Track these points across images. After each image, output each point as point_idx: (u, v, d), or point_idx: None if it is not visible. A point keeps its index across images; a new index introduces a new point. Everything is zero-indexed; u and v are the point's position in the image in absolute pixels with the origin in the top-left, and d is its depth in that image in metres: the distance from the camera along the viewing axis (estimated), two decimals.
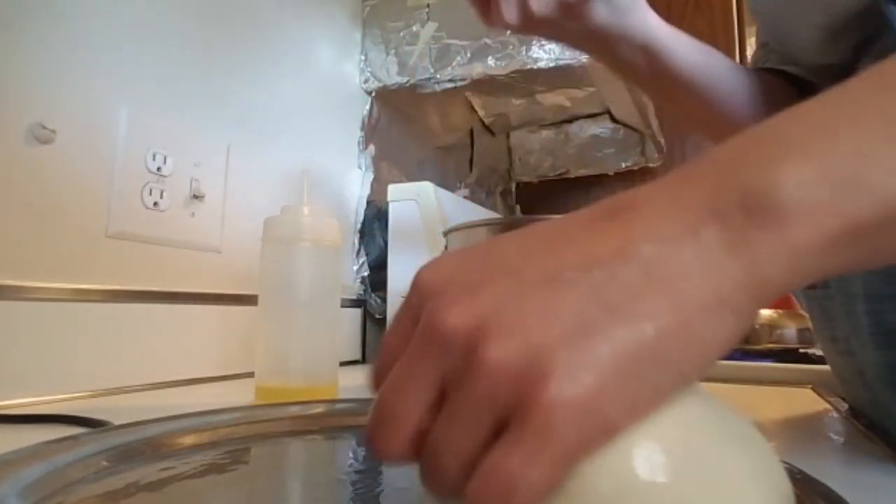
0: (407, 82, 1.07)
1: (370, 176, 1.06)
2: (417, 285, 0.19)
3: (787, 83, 0.51)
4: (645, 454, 0.17)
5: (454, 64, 1.04)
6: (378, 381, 0.19)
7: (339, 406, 0.46)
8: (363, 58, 1.10)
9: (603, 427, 0.16)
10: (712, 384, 0.75)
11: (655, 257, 0.17)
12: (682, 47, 0.47)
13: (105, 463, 0.30)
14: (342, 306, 0.64)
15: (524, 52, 1.00)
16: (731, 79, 0.50)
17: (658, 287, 0.17)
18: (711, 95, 0.49)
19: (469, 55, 1.03)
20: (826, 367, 0.52)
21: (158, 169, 0.66)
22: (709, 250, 0.17)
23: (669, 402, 0.18)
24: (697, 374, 0.17)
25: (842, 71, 0.42)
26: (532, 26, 0.43)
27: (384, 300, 1.01)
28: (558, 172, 1.48)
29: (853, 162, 0.17)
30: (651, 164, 1.45)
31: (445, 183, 1.16)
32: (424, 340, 0.18)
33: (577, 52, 0.98)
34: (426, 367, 0.18)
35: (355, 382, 0.74)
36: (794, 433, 0.48)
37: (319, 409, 0.44)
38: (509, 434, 0.16)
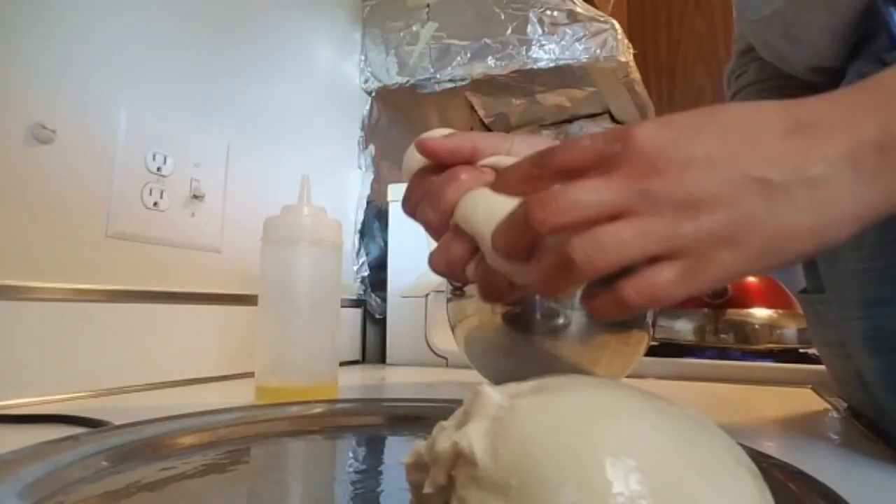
0: (407, 82, 1.07)
1: (370, 176, 1.06)
2: (639, 142, 0.23)
3: None
4: (614, 467, 0.17)
5: (454, 64, 1.04)
6: (553, 158, 0.25)
7: (339, 406, 0.46)
8: (363, 58, 1.10)
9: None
10: (713, 384, 0.75)
11: (820, 177, 0.23)
12: None
13: (105, 463, 0.30)
14: (342, 306, 0.64)
15: (524, 52, 1.00)
16: None
17: (811, 200, 0.23)
18: None
19: (469, 55, 1.03)
20: (825, 367, 0.52)
21: (158, 169, 0.66)
22: (860, 179, 0.23)
23: (656, 423, 0.18)
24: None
25: (831, 77, 0.42)
26: None
27: (384, 300, 1.01)
28: None
29: None
30: None
31: None
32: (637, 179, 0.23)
33: (577, 53, 0.98)
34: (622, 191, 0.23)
35: (355, 382, 0.74)
36: (793, 433, 0.48)
37: (319, 409, 0.44)
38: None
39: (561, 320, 0.54)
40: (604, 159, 0.24)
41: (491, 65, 1.02)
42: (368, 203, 1.05)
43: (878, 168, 0.23)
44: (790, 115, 0.24)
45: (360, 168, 1.07)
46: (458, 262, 0.29)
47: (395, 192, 1.01)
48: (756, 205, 0.22)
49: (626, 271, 0.24)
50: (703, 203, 0.22)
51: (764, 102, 0.24)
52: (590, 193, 0.23)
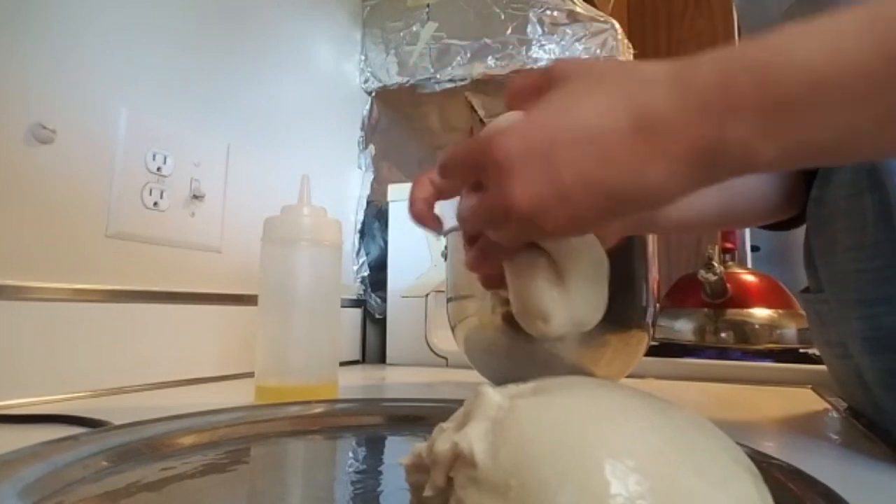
0: (407, 82, 1.07)
1: (370, 176, 1.06)
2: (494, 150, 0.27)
3: None
4: (613, 468, 0.17)
5: (454, 64, 1.04)
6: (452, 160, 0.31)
7: (339, 406, 0.46)
8: (363, 58, 1.10)
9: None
10: (713, 384, 0.75)
11: (653, 172, 0.25)
12: (701, 208, 0.45)
13: (105, 463, 0.30)
14: (342, 306, 0.64)
15: (524, 52, 1.00)
16: (746, 193, 0.47)
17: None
18: (730, 218, 0.50)
19: (469, 55, 1.03)
20: (826, 367, 0.52)
21: (158, 169, 0.66)
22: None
23: (655, 424, 0.18)
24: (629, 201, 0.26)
25: None
26: None
27: (384, 300, 1.01)
28: None
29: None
30: None
31: None
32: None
33: (577, 53, 0.98)
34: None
35: (355, 382, 0.74)
36: (793, 433, 0.48)
37: (319, 409, 0.44)
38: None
39: None
40: (476, 171, 0.29)
41: (491, 65, 1.02)
42: (368, 203, 1.05)
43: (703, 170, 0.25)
44: (636, 113, 0.25)
45: (360, 168, 1.07)
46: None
47: (395, 193, 1.01)
48: (588, 207, 0.26)
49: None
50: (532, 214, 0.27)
51: (616, 95, 0.26)
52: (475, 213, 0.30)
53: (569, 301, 0.30)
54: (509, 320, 0.56)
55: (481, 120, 1.32)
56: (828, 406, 0.58)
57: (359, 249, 1.04)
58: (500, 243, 0.31)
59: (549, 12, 0.99)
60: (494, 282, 0.34)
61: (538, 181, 0.26)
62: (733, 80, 0.23)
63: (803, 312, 0.90)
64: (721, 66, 0.24)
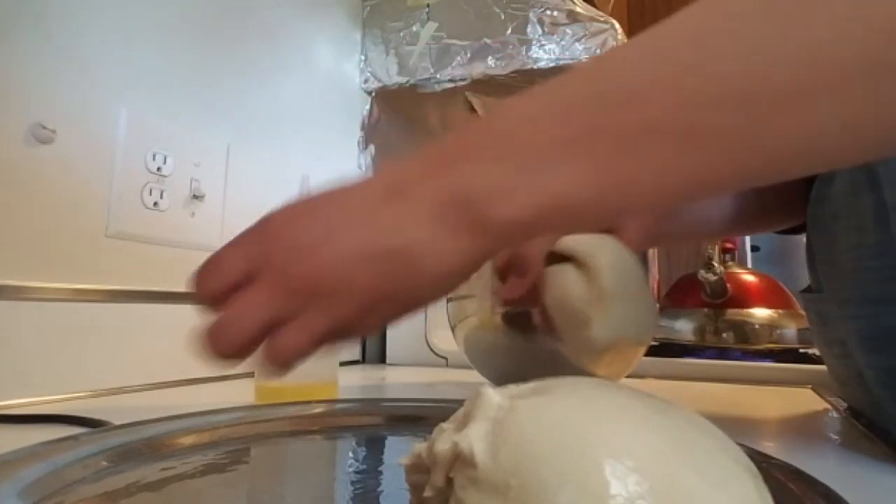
0: (407, 82, 1.07)
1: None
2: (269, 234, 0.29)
3: None
4: (613, 468, 0.17)
5: (454, 64, 1.04)
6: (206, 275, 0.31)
7: (339, 406, 0.46)
8: (363, 58, 1.10)
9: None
10: (713, 384, 0.75)
11: (415, 239, 0.25)
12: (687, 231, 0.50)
13: (105, 463, 0.30)
14: None
15: (524, 52, 1.00)
16: (758, 207, 0.51)
17: (412, 263, 0.26)
18: (740, 230, 0.54)
19: (469, 55, 1.03)
20: (826, 367, 0.52)
21: (158, 169, 0.66)
22: (448, 235, 0.25)
23: (655, 425, 0.18)
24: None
25: None
26: None
27: None
28: None
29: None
30: None
31: None
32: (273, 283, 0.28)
33: (577, 53, 0.98)
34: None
35: (355, 382, 0.74)
36: (793, 433, 0.48)
37: (319, 409, 0.44)
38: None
39: None
40: (248, 263, 0.29)
41: (491, 65, 1.02)
42: None
43: (460, 224, 0.25)
44: (389, 178, 0.26)
45: (360, 168, 1.07)
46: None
47: None
48: (367, 277, 0.26)
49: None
50: (330, 291, 0.26)
51: (383, 168, 0.27)
52: (246, 321, 0.28)
53: (604, 302, 0.29)
54: (509, 320, 0.56)
55: None
56: (828, 406, 0.58)
57: None
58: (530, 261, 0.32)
59: (549, 12, 0.99)
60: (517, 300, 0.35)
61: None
62: (475, 133, 0.25)
63: (803, 312, 0.90)
64: (482, 124, 0.25)
